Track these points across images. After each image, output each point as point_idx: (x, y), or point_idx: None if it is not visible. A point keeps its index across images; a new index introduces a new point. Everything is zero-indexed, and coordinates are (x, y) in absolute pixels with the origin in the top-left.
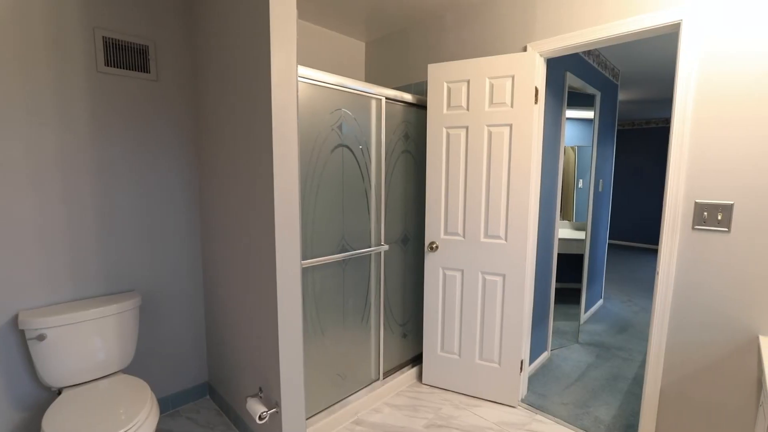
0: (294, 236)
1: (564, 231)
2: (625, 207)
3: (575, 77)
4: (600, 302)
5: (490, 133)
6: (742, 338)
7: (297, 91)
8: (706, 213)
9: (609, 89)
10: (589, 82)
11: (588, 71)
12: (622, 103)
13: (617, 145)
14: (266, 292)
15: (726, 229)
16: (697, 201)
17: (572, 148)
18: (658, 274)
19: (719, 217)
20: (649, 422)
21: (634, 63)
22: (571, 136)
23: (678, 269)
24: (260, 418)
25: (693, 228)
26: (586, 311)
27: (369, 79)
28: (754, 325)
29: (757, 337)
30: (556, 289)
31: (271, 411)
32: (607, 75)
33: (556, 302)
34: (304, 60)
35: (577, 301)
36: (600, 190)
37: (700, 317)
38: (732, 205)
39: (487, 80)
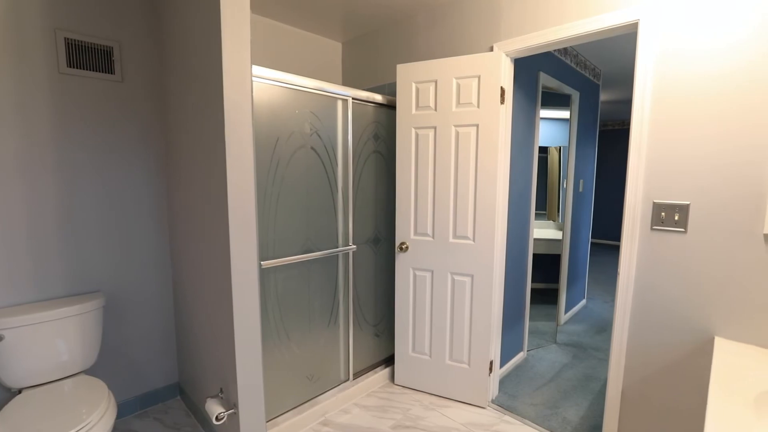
0: (250, 236)
1: (548, 231)
2: (615, 206)
3: (550, 77)
4: (583, 302)
5: (457, 134)
6: (699, 339)
7: (252, 92)
8: (663, 213)
9: (589, 89)
10: (565, 82)
11: (564, 71)
12: (611, 104)
13: (605, 145)
14: (222, 292)
15: (683, 230)
16: (655, 201)
17: (556, 148)
18: (619, 274)
19: (676, 218)
20: (611, 423)
21: (615, 63)
22: (555, 136)
23: (638, 270)
24: (217, 418)
25: (651, 228)
26: (567, 311)
27: (346, 79)
28: (711, 326)
29: (713, 338)
30: (540, 289)
31: (229, 412)
32: (587, 75)
33: (539, 302)
34: (280, 62)
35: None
36: (581, 190)
37: (659, 318)
38: (688, 205)
39: (454, 80)
